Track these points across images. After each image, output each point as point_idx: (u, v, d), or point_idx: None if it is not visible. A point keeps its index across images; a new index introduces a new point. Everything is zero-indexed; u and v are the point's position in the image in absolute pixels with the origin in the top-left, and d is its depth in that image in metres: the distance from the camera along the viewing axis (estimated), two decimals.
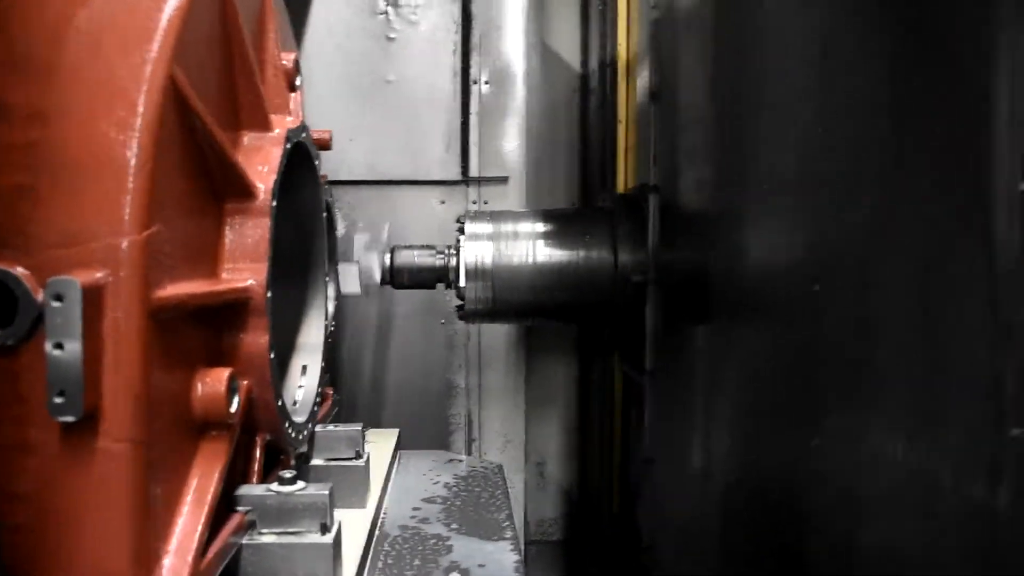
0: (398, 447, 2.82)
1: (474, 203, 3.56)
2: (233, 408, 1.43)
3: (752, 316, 1.66)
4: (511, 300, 2.69)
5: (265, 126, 1.71)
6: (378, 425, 3.46)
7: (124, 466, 1.15)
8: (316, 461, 2.08)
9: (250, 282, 1.53)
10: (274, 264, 2.01)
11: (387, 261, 2.76)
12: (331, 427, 2.12)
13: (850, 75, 1.22)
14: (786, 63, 1.49)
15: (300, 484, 1.56)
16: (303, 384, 2.13)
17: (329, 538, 1.52)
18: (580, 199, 3.71)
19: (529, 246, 2.70)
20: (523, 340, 3.63)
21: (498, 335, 3.53)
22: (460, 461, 2.74)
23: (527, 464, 3.77)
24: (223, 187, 1.52)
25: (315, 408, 2.06)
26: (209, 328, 1.47)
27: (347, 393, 3.53)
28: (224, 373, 1.41)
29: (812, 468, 1.32)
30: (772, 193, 1.55)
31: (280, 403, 1.66)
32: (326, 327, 2.25)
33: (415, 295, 3.33)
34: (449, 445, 3.61)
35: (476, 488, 2.45)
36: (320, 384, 2.13)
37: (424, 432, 3.57)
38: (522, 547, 3.66)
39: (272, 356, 1.58)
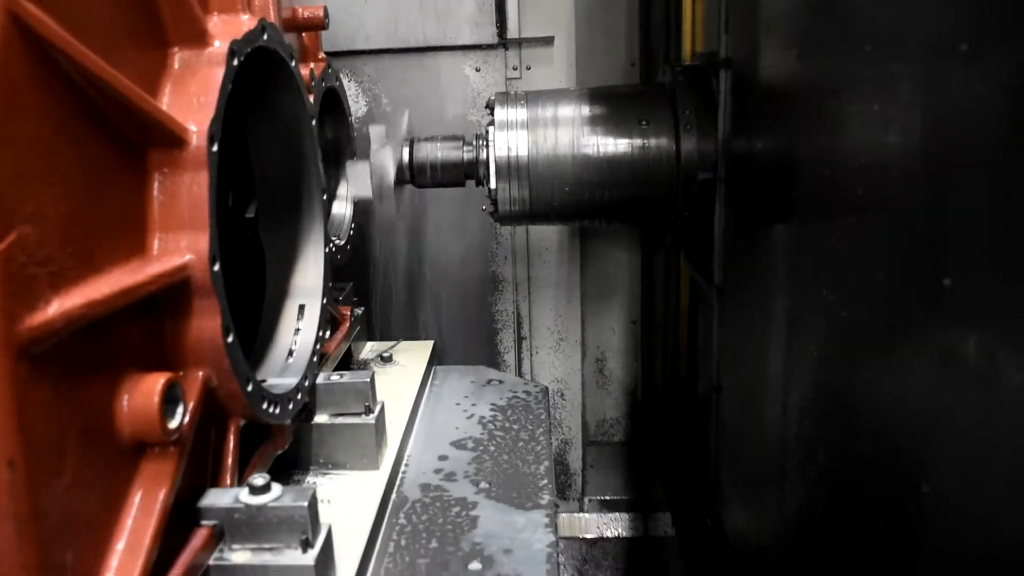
0: (432, 363, 2.66)
1: (514, 69, 3.19)
2: (175, 423, 1.21)
3: (854, 219, 1.40)
4: (551, 200, 2.41)
5: (200, 38, 1.38)
6: (415, 328, 3.38)
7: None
8: (320, 418, 1.90)
9: (188, 257, 1.27)
10: (261, 196, 1.78)
11: (405, 156, 2.45)
12: (335, 377, 1.93)
13: None
14: None
15: (275, 491, 1.37)
16: (300, 327, 1.93)
17: (311, 557, 1.33)
18: (642, 67, 3.27)
19: (572, 134, 2.38)
20: (578, 229, 3.37)
21: None
22: (500, 383, 2.56)
23: (585, 360, 3.61)
24: (138, 135, 1.23)
25: (314, 358, 1.87)
26: (141, 322, 1.23)
27: (381, 294, 3.38)
28: (157, 382, 1.18)
29: (929, 408, 1.10)
30: (889, 60, 1.22)
31: (250, 387, 1.44)
32: (330, 253, 2.03)
33: None
34: (496, 344, 3.48)
35: (515, 426, 2.26)
36: (321, 324, 1.93)
37: (467, 332, 3.45)
38: (581, 449, 3.56)
39: (231, 339, 1.35)
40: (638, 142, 2.37)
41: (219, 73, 1.36)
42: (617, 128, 2.38)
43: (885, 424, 1.28)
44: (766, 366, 1.90)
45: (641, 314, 3.62)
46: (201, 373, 1.33)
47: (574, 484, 3.65)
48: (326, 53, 2.50)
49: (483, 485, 1.93)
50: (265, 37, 1.58)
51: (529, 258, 3.40)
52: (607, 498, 3.67)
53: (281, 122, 1.83)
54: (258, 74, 1.69)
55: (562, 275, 3.42)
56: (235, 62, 1.42)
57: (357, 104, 3.25)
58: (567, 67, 3.20)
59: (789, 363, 1.77)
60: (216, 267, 1.30)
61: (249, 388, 1.44)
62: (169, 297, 1.27)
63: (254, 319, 1.89)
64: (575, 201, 2.41)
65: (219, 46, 1.40)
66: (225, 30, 1.44)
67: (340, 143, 2.69)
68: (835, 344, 1.52)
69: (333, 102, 2.54)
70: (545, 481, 1.95)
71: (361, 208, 2.62)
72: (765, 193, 1.89)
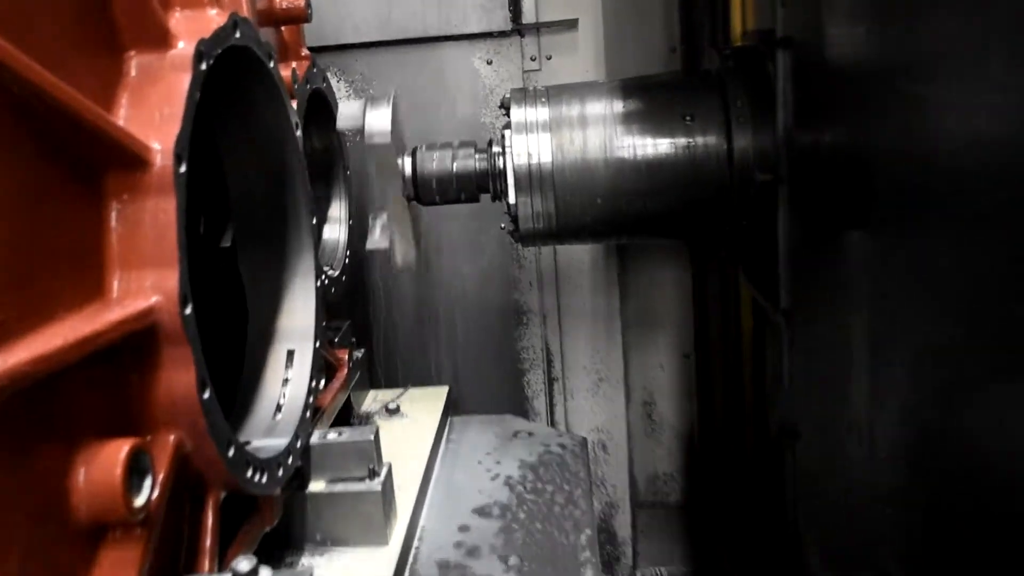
0: (447, 412, 2.65)
1: (532, 60, 3.21)
2: (141, 499, 1.21)
3: (957, 226, 1.38)
4: (582, 215, 2.41)
5: (161, 39, 1.40)
6: (426, 372, 3.38)
7: None
8: (316, 485, 1.89)
9: (155, 299, 1.27)
10: (239, 221, 1.80)
11: (407, 168, 2.46)
12: (333, 435, 1.92)
13: None
14: None
15: None
16: (289, 377, 1.93)
17: None
18: (683, 53, 3.27)
19: (604, 135, 2.38)
20: (615, 247, 3.37)
21: None
22: (530, 435, 2.53)
23: (630, 404, 3.59)
24: (91, 157, 1.23)
25: (307, 413, 1.86)
26: (100, 378, 1.23)
27: (384, 332, 3.38)
28: (120, 450, 1.18)
29: None
30: (1000, 31, 1.19)
31: (231, 451, 1.43)
32: (323, 287, 2.04)
33: None
34: (523, 388, 3.46)
35: (549, 487, 2.23)
36: (313, 372, 1.93)
37: (488, 374, 3.45)
38: (629, 513, 3.52)
39: (207, 394, 1.35)
40: (682, 141, 2.37)
41: (185, 80, 1.37)
42: (657, 125, 2.38)
43: (1005, 472, 1.25)
44: (850, 403, 1.87)
45: (695, 346, 3.59)
46: (173, 437, 1.33)
47: (623, 556, 3.60)
48: (310, 49, 2.52)
49: (513, 561, 1.91)
50: (237, 35, 1.59)
51: (558, 283, 3.40)
52: (663, 571, 3.61)
53: (260, 134, 1.85)
54: (231, 78, 1.70)
55: (598, 302, 3.40)
56: (203, 66, 1.42)
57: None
58: (594, 56, 3.21)
59: (877, 399, 1.74)
60: (188, 309, 1.30)
61: (230, 453, 1.43)
62: (133, 347, 1.27)
63: (234, 369, 1.89)
64: (610, 214, 2.40)
65: (184, 48, 1.41)
66: (190, 28, 1.46)
67: (331, 154, 2.71)
68: (935, 376, 1.49)
69: (320, 107, 2.56)
70: (587, 554, 1.93)
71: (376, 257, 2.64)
72: (839, 195, 1.87)
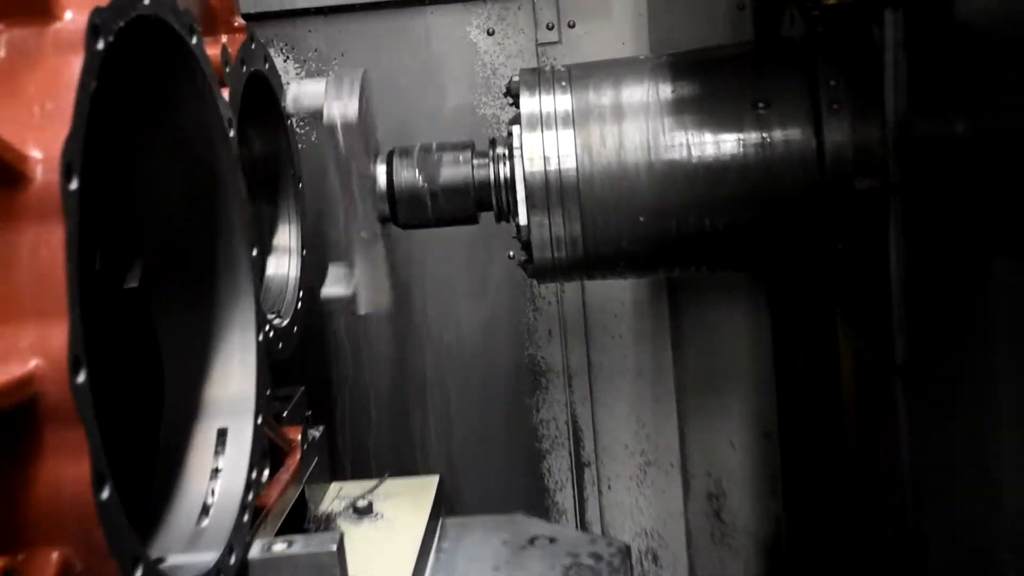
0: (438, 511, 2.65)
1: (549, 29, 3.24)
2: None
3: None
4: (617, 239, 2.44)
5: (40, 7, 1.41)
6: (409, 454, 3.39)
7: None
8: None
9: (34, 363, 1.27)
10: (152, 254, 1.81)
11: (380, 178, 2.47)
12: (280, 546, 1.93)
13: None
14: None
15: None
16: (220, 466, 1.94)
17: None
18: (754, 13, 3.29)
19: (647, 131, 2.41)
20: (664, 281, 3.37)
21: None
22: (551, 541, 2.53)
23: (690, 498, 3.59)
24: None
25: (245, 516, 1.86)
26: None
27: (351, 402, 3.39)
28: None
29: None
30: None
31: (139, 572, 1.43)
32: (268, 342, 2.05)
33: None
34: (542, 476, 3.47)
35: None
36: (254, 459, 1.93)
37: (493, 457, 3.46)
38: None
39: (106, 493, 1.34)
40: (754, 136, 2.38)
41: (75, 64, 1.38)
42: (719, 116, 2.40)
43: None
44: (1001, 504, 1.85)
45: (778, 418, 3.59)
46: (57, 554, 1.32)
47: None
48: (245, 17, 2.53)
49: None
50: (146, 1, 1.60)
51: (588, 332, 3.40)
52: None
53: (179, 135, 1.87)
54: (139, 61, 1.71)
55: (643, 358, 3.41)
56: (100, 44, 1.43)
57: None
58: (633, 21, 3.25)
59: None
60: (80, 377, 1.30)
61: (138, 574, 1.43)
62: (3, 429, 1.27)
63: (145, 457, 1.88)
64: (656, 237, 2.42)
65: (73, 19, 1.42)
66: None
67: (277, 161, 2.72)
68: None
69: (261, 95, 2.57)
70: None
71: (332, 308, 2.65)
72: (979, 208, 1.87)
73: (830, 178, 2.35)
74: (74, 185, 1.32)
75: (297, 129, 2.79)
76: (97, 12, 1.44)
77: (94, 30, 1.43)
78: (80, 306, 1.31)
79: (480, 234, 3.06)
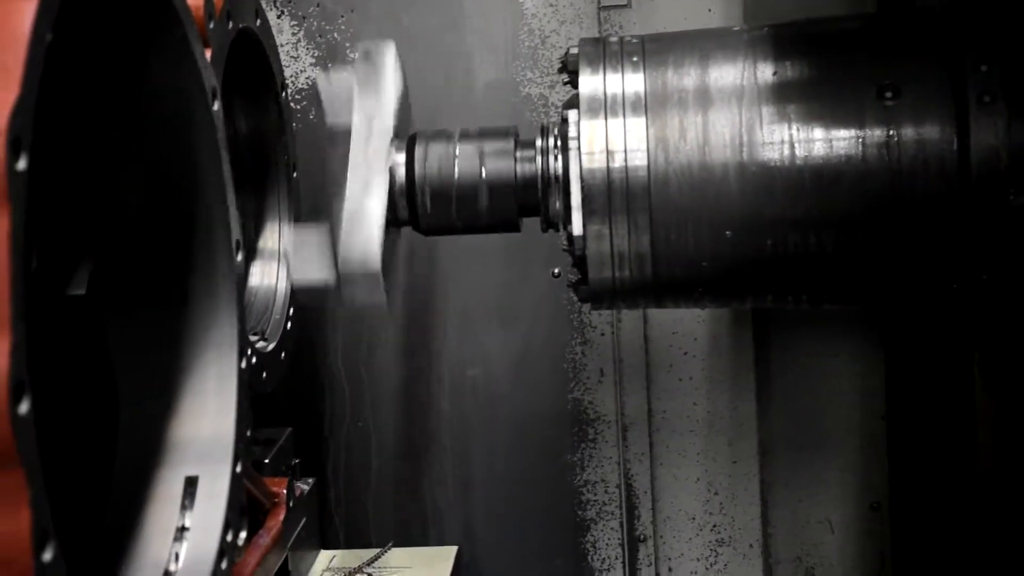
0: None
1: None
2: None
3: None
4: (696, 256, 2.43)
5: None
6: (419, 519, 3.39)
7: None
8: None
9: None
10: (108, 254, 1.81)
11: (399, 171, 2.48)
12: None
13: None
14: None
15: None
16: (188, 524, 1.94)
17: None
18: None
19: (740, 122, 2.40)
20: (749, 314, 3.38)
21: None
22: None
23: None
24: None
25: None
26: None
27: (347, 449, 3.39)
28: None
29: None
30: None
31: None
32: (250, 370, 2.05)
33: None
34: (585, 551, 3.48)
35: None
36: (230, 516, 1.93)
37: (523, 526, 3.46)
38: None
39: (49, 554, 1.35)
40: (878, 133, 2.37)
41: (27, 9, 1.38)
42: (834, 106, 2.40)
43: None
44: None
45: (890, 485, 3.57)
46: None
47: None
48: None
49: None
50: None
51: (649, 373, 3.40)
52: None
53: (149, 107, 1.87)
54: (102, 10, 1.72)
55: (718, 408, 3.42)
56: None
57: (298, 62, 3.32)
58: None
59: None
60: (23, 407, 1.30)
61: None
62: None
63: (95, 509, 1.89)
64: (746, 257, 2.42)
65: None
66: None
67: (265, 141, 2.73)
68: None
69: (250, 59, 2.59)
70: None
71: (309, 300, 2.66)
72: None
73: (976, 190, 2.32)
74: (22, 164, 1.32)
75: (292, 105, 2.78)
76: None
77: None
78: (27, 320, 1.31)
79: (518, 243, 3.06)
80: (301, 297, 2.56)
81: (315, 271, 2.40)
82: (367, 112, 2.46)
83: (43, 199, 1.97)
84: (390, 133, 2.47)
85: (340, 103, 2.45)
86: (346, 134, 2.43)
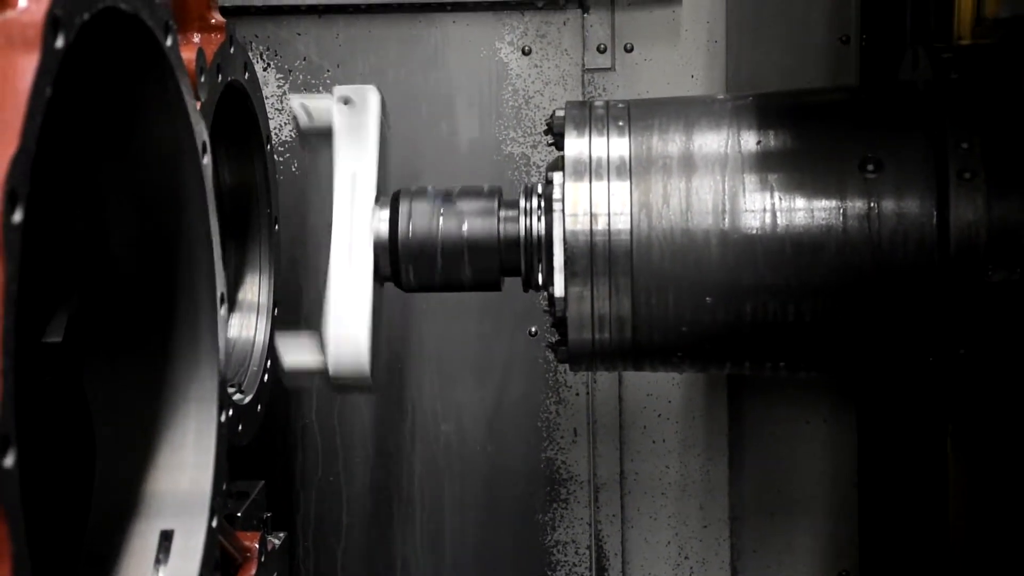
0: None
1: (601, 51, 3.25)
2: None
3: None
4: (676, 322, 2.44)
5: None
6: (387, 571, 3.37)
7: None
8: None
9: None
10: (85, 305, 1.80)
11: (382, 227, 2.48)
12: None
13: None
14: None
15: None
16: None
17: None
18: (862, 49, 3.30)
19: (723, 190, 2.41)
20: (724, 378, 3.38)
21: None
22: None
23: None
24: None
25: None
26: None
27: (318, 504, 3.37)
28: None
29: None
30: None
31: None
32: (229, 423, 2.04)
33: None
34: None
35: None
36: (206, 569, 1.92)
37: None
38: None
39: None
40: (859, 205, 2.38)
41: (28, 65, 1.38)
42: (816, 177, 2.40)
43: None
44: None
45: (859, 553, 3.56)
46: None
47: None
48: (223, 12, 2.53)
49: None
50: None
51: (624, 433, 3.40)
52: None
53: (140, 158, 1.87)
54: (99, 66, 1.72)
55: (691, 471, 3.41)
56: (60, 42, 1.43)
57: (282, 115, 3.32)
58: (706, 49, 3.27)
59: None
60: (8, 460, 1.28)
61: None
62: None
63: (69, 559, 1.87)
64: (726, 324, 2.42)
65: (28, 9, 1.42)
66: None
67: (249, 193, 2.72)
68: None
69: (237, 111, 2.58)
70: None
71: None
72: None
73: (955, 265, 2.33)
74: (18, 217, 1.32)
75: (276, 157, 2.78)
76: (58, 1, 1.45)
77: (53, 23, 1.43)
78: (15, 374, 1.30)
79: (495, 299, 3.06)
80: (287, 381, 2.56)
81: (305, 355, 2.40)
82: (349, 167, 2.45)
83: (28, 246, 1.97)
84: (373, 191, 2.47)
85: (316, 138, 2.44)
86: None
